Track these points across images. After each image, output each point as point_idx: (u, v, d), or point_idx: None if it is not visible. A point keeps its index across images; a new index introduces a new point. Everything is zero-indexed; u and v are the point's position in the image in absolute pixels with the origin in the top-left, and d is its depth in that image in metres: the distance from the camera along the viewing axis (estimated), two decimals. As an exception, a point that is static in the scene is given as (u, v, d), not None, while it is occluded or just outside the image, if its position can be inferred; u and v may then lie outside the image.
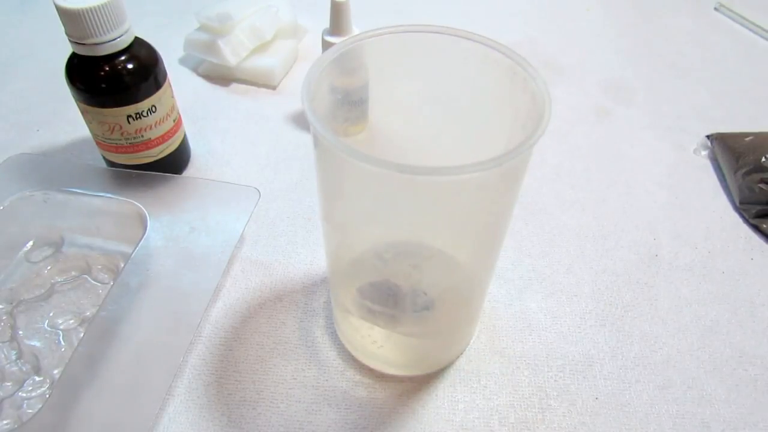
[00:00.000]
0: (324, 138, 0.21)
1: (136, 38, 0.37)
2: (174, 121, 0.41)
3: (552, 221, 0.41)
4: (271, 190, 0.43)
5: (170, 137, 0.41)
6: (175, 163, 0.43)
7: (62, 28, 0.34)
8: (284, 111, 0.50)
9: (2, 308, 0.35)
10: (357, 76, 0.32)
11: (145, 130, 0.38)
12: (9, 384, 0.31)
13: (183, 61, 0.55)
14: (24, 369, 0.32)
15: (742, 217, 0.42)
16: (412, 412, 0.31)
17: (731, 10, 0.64)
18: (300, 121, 0.49)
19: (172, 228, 0.37)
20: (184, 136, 0.43)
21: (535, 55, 0.58)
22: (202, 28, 0.51)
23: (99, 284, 0.36)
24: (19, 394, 0.31)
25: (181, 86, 0.51)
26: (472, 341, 0.34)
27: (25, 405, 0.31)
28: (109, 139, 0.38)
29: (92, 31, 0.34)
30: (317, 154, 0.24)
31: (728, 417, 0.31)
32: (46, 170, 0.40)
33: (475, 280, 0.30)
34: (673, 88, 0.54)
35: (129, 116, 0.37)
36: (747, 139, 0.44)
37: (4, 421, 0.30)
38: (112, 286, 0.33)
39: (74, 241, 0.38)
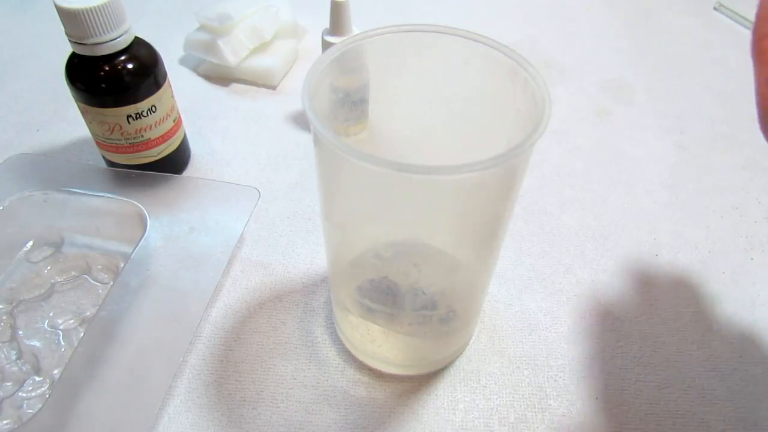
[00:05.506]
0: (324, 137, 0.21)
1: (136, 38, 0.37)
2: (174, 121, 0.41)
3: (552, 221, 0.41)
4: (271, 190, 0.43)
5: (170, 137, 0.41)
6: (175, 163, 0.43)
7: (62, 28, 0.34)
8: (284, 111, 0.50)
9: (2, 308, 0.35)
10: (357, 76, 0.32)
11: (145, 130, 0.38)
12: (9, 384, 0.31)
13: (183, 61, 0.55)
14: (24, 369, 0.32)
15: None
16: (412, 412, 0.31)
17: (731, 10, 0.64)
18: (300, 121, 0.49)
19: (171, 228, 0.37)
20: (184, 136, 0.43)
21: (535, 54, 0.58)
22: (202, 28, 0.51)
23: (99, 284, 0.36)
24: (19, 394, 0.31)
25: (181, 86, 0.51)
26: (472, 341, 0.34)
27: (25, 405, 0.31)
28: (109, 139, 0.38)
29: (92, 31, 0.34)
30: (317, 153, 0.24)
31: (728, 417, 0.31)
32: (46, 170, 0.40)
33: (474, 280, 0.30)
34: (673, 88, 0.54)
35: (129, 116, 0.37)
36: None
37: (4, 421, 0.30)
38: (112, 286, 0.33)
39: (74, 241, 0.38)
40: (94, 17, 0.33)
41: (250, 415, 0.31)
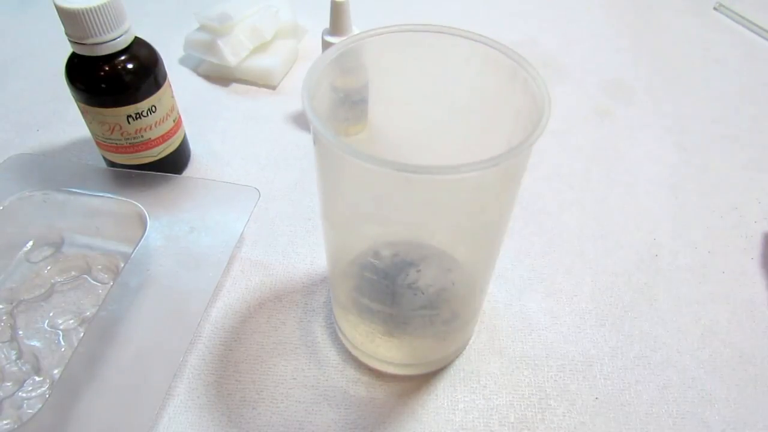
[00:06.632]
0: (324, 136, 0.21)
1: (136, 38, 0.37)
2: (174, 121, 0.41)
3: (552, 221, 0.41)
4: (271, 190, 0.43)
5: (170, 137, 0.41)
6: (175, 163, 0.43)
7: (62, 28, 0.34)
8: (284, 111, 0.50)
9: (2, 308, 0.35)
10: (357, 75, 0.32)
11: (145, 130, 0.38)
12: (9, 384, 0.31)
13: (183, 61, 0.55)
14: (24, 369, 0.32)
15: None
16: (412, 412, 0.31)
17: (731, 10, 0.64)
18: (300, 121, 0.49)
19: (171, 228, 0.37)
20: (184, 136, 0.43)
21: (535, 55, 0.58)
22: (202, 28, 0.51)
23: (99, 284, 0.36)
24: (19, 394, 0.31)
25: (181, 86, 0.51)
26: (472, 341, 0.34)
27: (25, 405, 0.31)
28: (109, 139, 0.38)
29: (92, 31, 0.34)
30: (317, 153, 0.24)
31: (728, 417, 0.31)
32: (46, 170, 0.40)
33: (474, 280, 0.30)
34: (673, 88, 0.54)
35: (129, 116, 0.37)
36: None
37: (4, 421, 0.30)
38: (112, 286, 0.33)
39: (74, 241, 0.38)
40: (94, 17, 0.33)
41: (250, 415, 0.31)
